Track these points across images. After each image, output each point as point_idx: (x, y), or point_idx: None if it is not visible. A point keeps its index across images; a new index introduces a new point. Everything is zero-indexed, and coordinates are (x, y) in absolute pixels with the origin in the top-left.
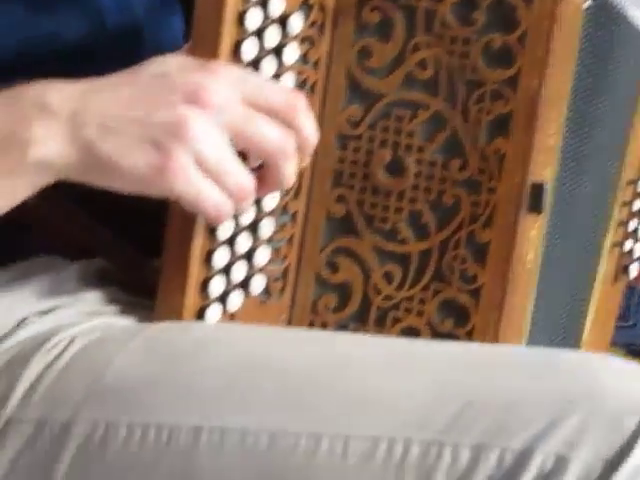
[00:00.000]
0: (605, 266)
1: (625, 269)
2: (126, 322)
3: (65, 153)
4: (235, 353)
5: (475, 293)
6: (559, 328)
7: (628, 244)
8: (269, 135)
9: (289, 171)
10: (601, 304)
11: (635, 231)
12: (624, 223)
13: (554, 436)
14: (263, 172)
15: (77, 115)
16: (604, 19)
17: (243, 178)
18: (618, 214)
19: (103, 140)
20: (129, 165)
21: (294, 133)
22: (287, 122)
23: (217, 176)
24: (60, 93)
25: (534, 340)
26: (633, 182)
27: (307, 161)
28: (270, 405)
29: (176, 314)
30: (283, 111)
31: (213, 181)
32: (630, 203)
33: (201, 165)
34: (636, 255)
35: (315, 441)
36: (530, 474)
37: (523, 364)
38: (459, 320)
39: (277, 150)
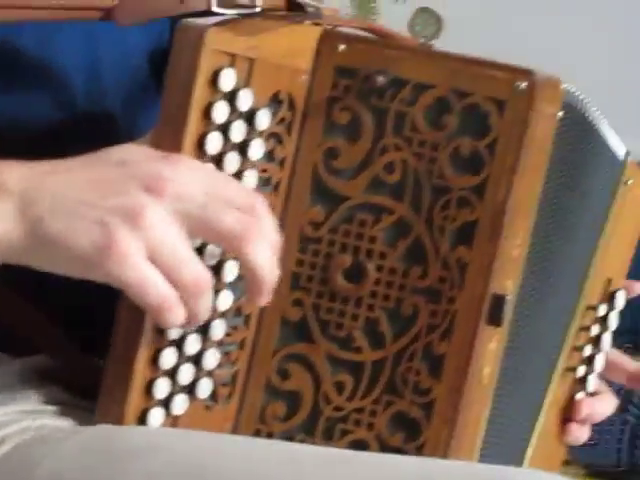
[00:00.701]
0: (557, 391)
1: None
2: (64, 424)
3: (11, 229)
4: (171, 461)
5: (428, 407)
6: (509, 450)
7: (581, 370)
8: (225, 219)
9: (255, 253)
10: (549, 431)
11: (590, 359)
12: (580, 348)
13: None
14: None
15: (28, 193)
16: (576, 131)
17: (199, 271)
18: (575, 339)
19: (51, 219)
20: (74, 244)
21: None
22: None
23: (170, 268)
24: (16, 172)
25: (488, 459)
26: (593, 307)
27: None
28: None
29: (118, 414)
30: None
31: (165, 273)
32: (588, 328)
33: (154, 255)
34: (589, 387)
35: None
36: None
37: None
38: (409, 434)
39: (234, 234)
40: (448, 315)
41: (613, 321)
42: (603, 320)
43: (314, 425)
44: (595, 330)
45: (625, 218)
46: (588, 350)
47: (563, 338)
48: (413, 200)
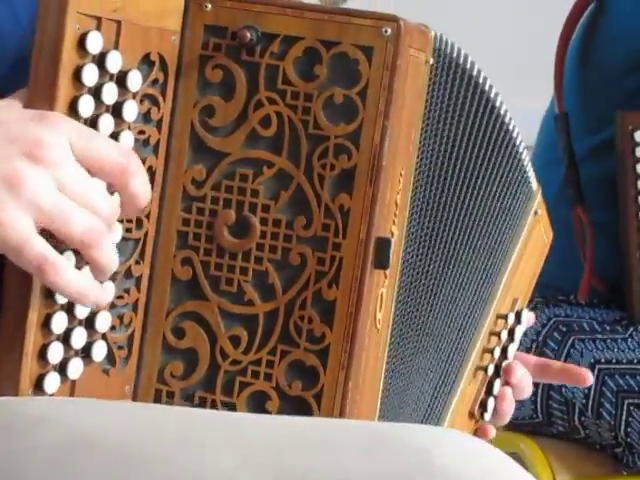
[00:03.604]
0: (468, 386)
1: (482, 405)
2: None
3: None
4: (65, 431)
5: (323, 353)
6: (423, 402)
7: (491, 368)
8: (94, 201)
9: (100, 258)
10: (459, 421)
11: (498, 365)
12: (491, 351)
13: None
14: None
15: None
16: (452, 78)
17: (88, 217)
18: (487, 342)
19: None
20: None
21: (123, 195)
22: (118, 183)
23: (57, 219)
24: None
25: (391, 406)
26: (503, 317)
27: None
28: None
29: (13, 382)
30: (115, 172)
31: (54, 228)
32: (499, 334)
33: (41, 216)
34: (495, 390)
35: None
36: None
37: (357, 438)
38: (308, 382)
39: (81, 239)
40: (335, 261)
41: (518, 335)
42: (511, 331)
43: (213, 380)
44: (504, 336)
45: (531, 249)
46: (497, 353)
47: (474, 336)
48: (291, 151)
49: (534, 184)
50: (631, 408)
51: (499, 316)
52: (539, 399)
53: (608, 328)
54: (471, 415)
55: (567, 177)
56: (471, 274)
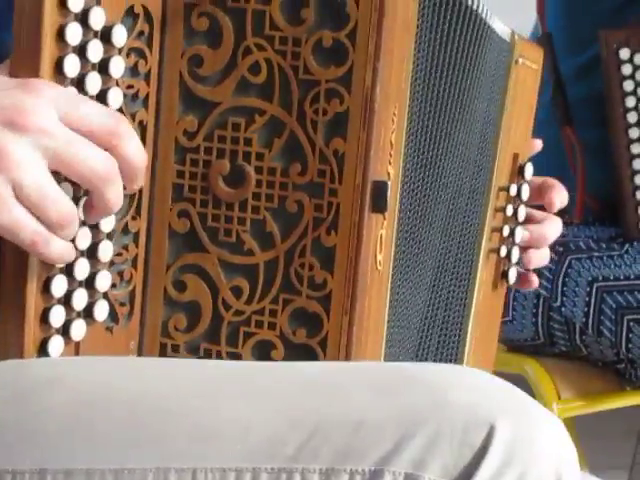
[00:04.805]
0: (483, 272)
1: (504, 274)
2: None
3: None
4: (79, 389)
5: (325, 300)
6: (433, 333)
7: (504, 249)
8: (88, 160)
9: (113, 196)
10: (483, 310)
11: (510, 235)
12: (499, 229)
13: (403, 455)
14: (89, 198)
15: None
16: (442, 9)
17: (63, 205)
18: (492, 220)
19: None
20: None
21: (117, 158)
22: (109, 147)
23: (36, 205)
24: None
25: (397, 346)
26: (505, 188)
27: (139, 184)
28: (116, 441)
29: (16, 348)
30: (104, 136)
31: (31, 210)
32: (503, 209)
33: (19, 193)
34: (514, 259)
35: (163, 476)
36: None
37: (370, 380)
38: (312, 329)
39: (96, 175)
40: (332, 207)
41: (525, 193)
42: (516, 197)
43: (217, 332)
44: (510, 210)
45: (521, 94)
46: (507, 230)
47: (481, 222)
48: (282, 98)
49: (506, 35)
50: (631, 324)
51: (501, 188)
52: (539, 320)
53: (604, 246)
54: (495, 287)
55: (554, 98)
56: (468, 171)
